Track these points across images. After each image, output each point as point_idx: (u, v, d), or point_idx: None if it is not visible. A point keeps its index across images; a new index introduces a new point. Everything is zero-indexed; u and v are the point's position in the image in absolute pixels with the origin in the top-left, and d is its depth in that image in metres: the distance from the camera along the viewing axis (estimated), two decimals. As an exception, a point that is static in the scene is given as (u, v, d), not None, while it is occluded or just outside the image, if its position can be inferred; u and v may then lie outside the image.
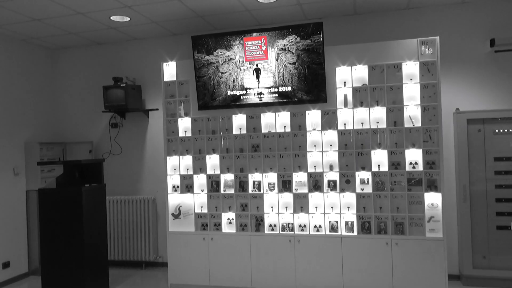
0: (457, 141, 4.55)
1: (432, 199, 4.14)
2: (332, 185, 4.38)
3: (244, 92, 4.53)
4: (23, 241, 5.39)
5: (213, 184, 4.74)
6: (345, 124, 4.36)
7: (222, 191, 4.70)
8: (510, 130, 4.43)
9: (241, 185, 4.65)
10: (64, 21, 4.82)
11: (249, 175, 4.62)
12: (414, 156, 4.20)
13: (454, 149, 4.66)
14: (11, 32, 5.15)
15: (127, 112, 5.60)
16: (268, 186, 4.57)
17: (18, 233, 5.31)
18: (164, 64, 4.88)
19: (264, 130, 4.60)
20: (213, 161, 4.75)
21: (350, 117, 4.35)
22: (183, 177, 4.83)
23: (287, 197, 4.51)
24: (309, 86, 4.34)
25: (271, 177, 4.57)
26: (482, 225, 4.47)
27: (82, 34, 5.34)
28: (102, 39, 5.64)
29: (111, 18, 4.77)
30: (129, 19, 4.83)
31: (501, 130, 4.45)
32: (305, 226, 4.46)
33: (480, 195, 4.49)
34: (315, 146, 4.45)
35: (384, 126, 4.26)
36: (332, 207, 4.38)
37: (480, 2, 4.61)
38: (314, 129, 4.45)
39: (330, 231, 4.37)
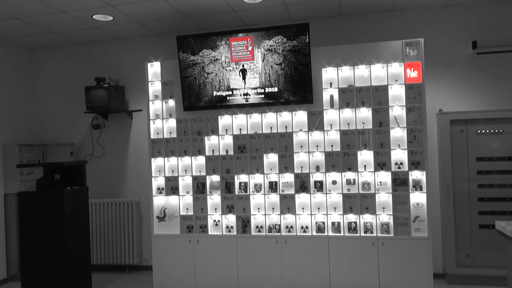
0: (440, 141, 4.62)
1: (417, 199, 4.19)
2: (318, 186, 4.39)
3: (230, 92, 4.50)
4: (1, 246, 5.21)
5: (199, 185, 4.69)
6: (331, 125, 4.37)
7: (208, 193, 4.66)
8: (492, 131, 4.52)
9: (227, 186, 4.61)
10: (45, 20, 4.70)
11: (235, 176, 4.58)
12: (399, 156, 4.24)
13: (437, 149, 4.73)
14: (-12, 31, 5.00)
15: (110, 113, 5.50)
16: (255, 187, 4.54)
17: (-4, 238, 5.15)
18: (149, 64, 4.81)
19: (250, 131, 4.57)
20: (198, 163, 4.70)
21: (336, 118, 4.37)
22: (168, 179, 4.76)
23: (274, 198, 4.50)
24: (295, 87, 4.34)
25: (258, 178, 4.54)
26: (465, 224, 4.55)
27: (64, 33, 5.22)
28: (84, 39, 5.53)
29: (94, 17, 4.67)
30: (112, 18, 4.74)
31: (483, 131, 4.54)
32: (292, 227, 4.45)
33: (463, 195, 4.56)
34: (301, 147, 4.45)
35: (370, 126, 4.29)
36: (318, 208, 4.38)
37: (463, 5, 4.70)
38: (300, 130, 4.45)
39: (317, 232, 4.37)
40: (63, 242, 4.20)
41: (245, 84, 4.46)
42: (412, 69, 4.19)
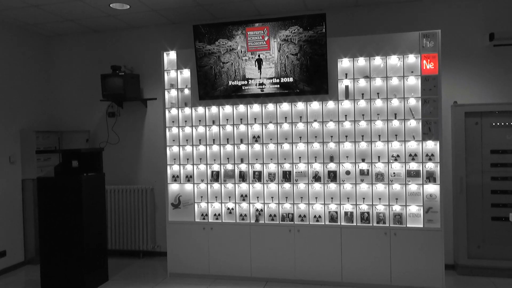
0: (455, 133, 4.62)
1: (431, 191, 4.21)
2: (332, 176, 4.42)
3: (245, 82, 4.53)
4: (19, 230, 5.34)
5: (213, 174, 4.75)
6: (346, 115, 4.39)
7: (222, 181, 4.71)
8: (507, 123, 4.51)
9: (241, 175, 4.67)
10: (62, 8, 4.74)
11: (250, 165, 4.63)
12: (413, 147, 4.25)
13: (451, 141, 4.73)
14: (7, 18, 5.05)
15: (125, 101, 5.55)
16: (269, 176, 4.59)
17: (14, 222, 5.25)
18: (165, 53, 4.84)
19: (265, 120, 4.61)
20: (213, 151, 4.76)
21: (351, 109, 4.39)
22: (183, 167, 4.83)
23: (287, 187, 4.54)
24: (311, 77, 4.35)
25: (272, 168, 4.59)
26: (477, 216, 4.57)
27: (80, 21, 5.26)
28: (100, 27, 5.57)
29: (111, 5, 4.70)
30: (128, 6, 4.77)
31: (498, 123, 4.53)
32: (305, 216, 4.50)
33: (476, 187, 4.58)
34: (315, 137, 4.48)
35: (385, 118, 4.30)
36: (332, 198, 4.43)
37: (480, -4, 4.66)
38: (315, 120, 4.47)
39: (329, 221, 4.42)
40: (81, 227, 4.29)
41: (260, 74, 4.48)
42: (429, 60, 4.18)
